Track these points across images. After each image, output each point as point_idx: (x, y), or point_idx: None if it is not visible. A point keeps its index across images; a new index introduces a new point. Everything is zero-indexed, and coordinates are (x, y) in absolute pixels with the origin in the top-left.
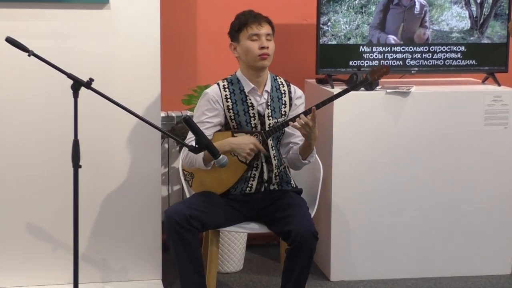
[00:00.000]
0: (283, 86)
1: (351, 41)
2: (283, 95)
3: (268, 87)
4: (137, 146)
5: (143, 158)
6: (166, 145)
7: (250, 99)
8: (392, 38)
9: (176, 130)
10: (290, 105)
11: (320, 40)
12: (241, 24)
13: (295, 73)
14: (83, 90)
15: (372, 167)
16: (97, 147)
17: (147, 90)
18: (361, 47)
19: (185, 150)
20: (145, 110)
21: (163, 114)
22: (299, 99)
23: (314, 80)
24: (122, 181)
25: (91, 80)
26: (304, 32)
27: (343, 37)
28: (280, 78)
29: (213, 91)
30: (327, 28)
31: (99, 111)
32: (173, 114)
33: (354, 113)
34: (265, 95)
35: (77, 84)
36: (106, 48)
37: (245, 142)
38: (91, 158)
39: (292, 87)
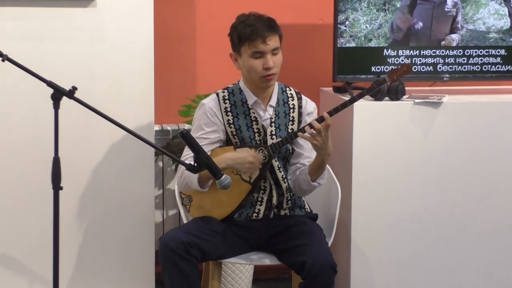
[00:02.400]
0: (293, 99)
1: (373, 43)
2: (292, 110)
3: (273, 101)
4: (127, 165)
5: (134, 179)
6: (161, 163)
7: (253, 112)
8: (417, 40)
9: (172, 146)
10: (299, 121)
11: (338, 43)
12: (243, 38)
13: (308, 81)
14: (64, 100)
15: (398, 190)
16: (81, 166)
17: (138, 100)
18: (385, 50)
19: (180, 169)
20: (136, 123)
21: (157, 127)
22: (310, 115)
23: (331, 89)
24: (110, 205)
25: (74, 88)
26: (319, 33)
27: (363, 38)
28: (290, 89)
29: (211, 102)
30: (345, 28)
31: (83, 125)
32: (169, 128)
33: (377, 127)
34: (270, 110)
35: (58, 94)
36: (92, 52)
37: (242, 155)
38: (74, 178)
39: (304, 100)
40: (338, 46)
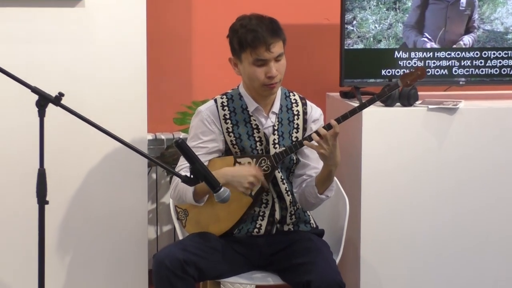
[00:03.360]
0: (297, 105)
1: (382, 45)
2: (296, 117)
3: (276, 108)
4: (118, 177)
5: (125, 192)
6: (154, 175)
7: (254, 120)
8: (430, 42)
9: (167, 156)
10: (304, 129)
11: (345, 44)
12: (244, 44)
13: (313, 86)
14: (50, 108)
15: (410, 203)
16: (68, 179)
17: (130, 106)
18: (396, 52)
19: (174, 181)
20: (128, 132)
21: (150, 136)
22: (316, 122)
23: (338, 94)
24: (99, 221)
25: (61, 95)
26: (325, 34)
27: (371, 39)
28: (294, 95)
29: (209, 109)
30: (352, 28)
31: (71, 134)
32: (163, 137)
33: (388, 135)
34: (272, 117)
35: (44, 100)
36: (79, 55)
37: (243, 173)
38: (60, 192)
39: (309, 106)
40: (346, 47)
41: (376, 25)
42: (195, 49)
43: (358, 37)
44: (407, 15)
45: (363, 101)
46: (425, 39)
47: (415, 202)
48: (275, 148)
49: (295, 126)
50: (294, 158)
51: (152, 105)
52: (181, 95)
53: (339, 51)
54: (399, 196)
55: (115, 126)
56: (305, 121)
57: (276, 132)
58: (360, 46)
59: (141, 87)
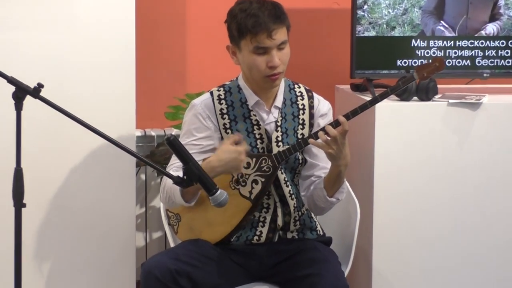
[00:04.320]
0: (302, 99)
1: (396, 32)
2: (301, 111)
3: (278, 102)
4: (103, 178)
5: (111, 194)
6: (143, 176)
7: (254, 115)
8: (449, 31)
9: (157, 155)
10: (311, 125)
11: (357, 31)
12: (244, 30)
13: (321, 77)
14: (29, 100)
15: (428, 207)
16: (48, 179)
17: (117, 100)
18: (413, 40)
19: (163, 181)
20: (114, 128)
21: (138, 132)
22: (324, 117)
23: (348, 87)
24: (82, 226)
25: (40, 86)
26: (335, 20)
27: (384, 26)
28: (299, 87)
29: (204, 103)
30: (363, 13)
31: (51, 129)
32: (153, 133)
33: (403, 133)
34: (275, 112)
35: (21, 92)
36: (61, 42)
37: (230, 156)
38: (39, 194)
39: (316, 98)
40: (357, 35)
41: (390, 10)
42: (190, 35)
43: (370, 23)
44: None
45: (376, 95)
46: (442, 27)
47: (433, 207)
48: (278, 146)
49: (301, 121)
50: (300, 157)
51: (141, 98)
52: (174, 86)
53: (350, 39)
54: (415, 200)
55: (100, 121)
56: (311, 116)
57: (279, 128)
58: (372, 33)
59: (129, 77)
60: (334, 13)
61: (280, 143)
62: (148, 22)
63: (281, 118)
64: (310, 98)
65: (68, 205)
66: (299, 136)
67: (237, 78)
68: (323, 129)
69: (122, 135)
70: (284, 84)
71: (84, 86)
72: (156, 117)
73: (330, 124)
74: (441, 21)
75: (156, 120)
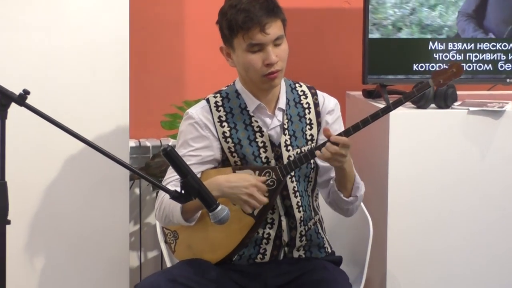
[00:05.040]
0: (306, 97)
1: (403, 34)
2: (307, 110)
3: (282, 103)
4: (94, 192)
5: (103, 210)
6: (138, 190)
7: (256, 121)
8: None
9: (153, 167)
10: (319, 124)
11: (370, 33)
12: (234, 27)
13: (331, 83)
14: (13, 108)
15: (448, 222)
16: (35, 193)
17: (109, 107)
18: (430, 43)
19: (159, 196)
20: (106, 138)
21: (132, 143)
22: (331, 113)
23: (360, 93)
24: (72, 244)
25: (26, 93)
26: (345, 20)
27: (390, 27)
28: (301, 85)
29: (200, 110)
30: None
31: (37, 139)
32: (148, 144)
33: (421, 143)
34: (279, 115)
35: (5, 99)
36: (49, 46)
37: (241, 183)
38: (25, 209)
39: (321, 95)
40: (370, 38)
41: (395, 10)
42: (189, 37)
43: (373, 24)
44: None
45: (389, 103)
46: (484, 34)
47: (452, 222)
48: (287, 150)
49: (308, 121)
50: (312, 162)
51: (135, 105)
52: (171, 93)
53: (362, 41)
54: (433, 215)
55: (91, 130)
56: (318, 114)
57: (286, 131)
58: (376, 35)
59: (122, 83)
60: (344, 13)
61: (289, 147)
62: (143, 23)
63: (287, 121)
64: (314, 95)
65: (56, 222)
66: (308, 138)
67: (234, 82)
68: (325, 144)
69: (115, 146)
70: (285, 84)
71: (74, 92)
72: (152, 126)
73: (334, 139)
74: (482, 27)
75: (152, 129)
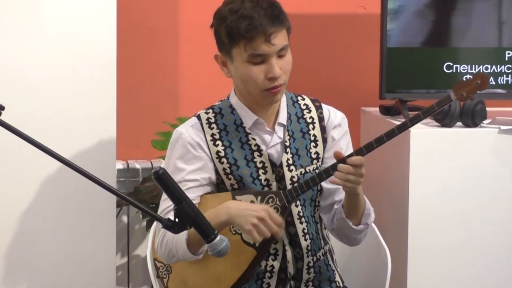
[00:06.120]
0: (309, 111)
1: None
2: (311, 126)
3: (282, 118)
4: (76, 220)
5: (86, 240)
6: (125, 218)
7: (253, 139)
8: None
9: (143, 192)
10: (324, 140)
11: (388, 41)
12: (236, 35)
13: (344, 98)
14: None
15: (476, 256)
16: (9, 220)
17: (94, 125)
18: (457, 52)
19: (160, 231)
20: (90, 159)
21: (120, 165)
22: (337, 128)
23: (377, 109)
24: (51, 279)
25: (1, 108)
26: (360, 27)
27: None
28: (303, 98)
29: (191, 129)
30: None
31: (12, 159)
32: (138, 166)
33: (445, 165)
34: (279, 131)
35: None
36: (28, 55)
37: (252, 206)
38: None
39: (326, 109)
40: (389, 46)
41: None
42: (183, 46)
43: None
44: None
45: (406, 120)
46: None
47: (484, 255)
48: (290, 170)
49: (312, 138)
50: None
51: (123, 123)
52: (163, 109)
53: (380, 51)
54: (459, 245)
55: (73, 150)
56: (323, 130)
57: (288, 149)
58: (399, 44)
59: (109, 97)
60: (359, 19)
61: (292, 167)
62: (133, 31)
63: (288, 137)
64: (319, 108)
65: (33, 253)
66: (313, 156)
67: (228, 97)
68: (336, 165)
69: (100, 168)
70: (286, 98)
71: (54, 109)
72: (142, 145)
73: (347, 157)
74: None
75: (142, 149)
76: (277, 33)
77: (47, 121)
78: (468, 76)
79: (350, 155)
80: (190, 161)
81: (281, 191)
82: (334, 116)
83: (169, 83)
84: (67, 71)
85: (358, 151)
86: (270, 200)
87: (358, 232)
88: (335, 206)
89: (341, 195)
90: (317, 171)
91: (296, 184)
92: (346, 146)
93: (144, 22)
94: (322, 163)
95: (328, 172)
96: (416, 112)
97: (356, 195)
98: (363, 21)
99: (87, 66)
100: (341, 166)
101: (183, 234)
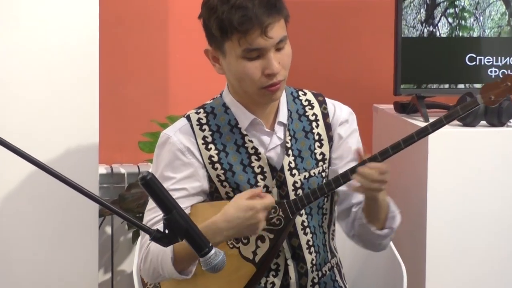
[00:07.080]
0: (312, 108)
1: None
2: (314, 124)
3: (282, 116)
4: (54, 232)
5: (65, 254)
6: (109, 229)
7: (251, 141)
8: None
9: (128, 200)
10: (330, 138)
11: (403, 32)
12: (228, 28)
13: (355, 94)
14: None
15: (503, 268)
16: None
17: (74, 126)
18: (480, 43)
19: (144, 244)
20: (70, 163)
21: (103, 169)
22: (344, 124)
23: (391, 106)
24: None
25: None
26: (372, 15)
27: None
28: (305, 94)
29: (180, 131)
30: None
31: None
32: (122, 170)
33: (467, 167)
34: (279, 131)
35: None
36: (4, 51)
37: (243, 215)
38: None
39: (330, 104)
40: (403, 36)
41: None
42: (173, 37)
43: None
44: None
45: (426, 124)
46: None
47: (507, 267)
48: (292, 175)
49: (316, 137)
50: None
51: (106, 122)
52: (151, 107)
53: (394, 42)
54: (484, 260)
55: (50, 154)
56: (328, 127)
57: (290, 151)
58: (415, 34)
59: (90, 94)
60: (370, 5)
61: (294, 171)
62: (116, 22)
63: (290, 138)
64: (322, 103)
65: (8, 268)
66: (318, 157)
67: (221, 94)
68: (355, 168)
69: (81, 173)
70: (285, 93)
71: (31, 109)
72: (127, 148)
73: (365, 163)
74: None
75: (127, 152)
76: (274, 24)
77: (23, 122)
78: (493, 69)
79: (370, 159)
80: (178, 169)
81: (285, 201)
82: (340, 111)
83: (158, 78)
84: (42, 66)
85: (373, 158)
86: (273, 210)
87: (382, 237)
88: (353, 209)
89: (359, 197)
90: (323, 174)
91: (302, 194)
92: (355, 146)
93: (130, 10)
94: (329, 165)
95: (346, 177)
96: (439, 111)
97: (376, 200)
98: (374, 8)
99: (66, 62)
100: (365, 171)
101: (169, 251)
